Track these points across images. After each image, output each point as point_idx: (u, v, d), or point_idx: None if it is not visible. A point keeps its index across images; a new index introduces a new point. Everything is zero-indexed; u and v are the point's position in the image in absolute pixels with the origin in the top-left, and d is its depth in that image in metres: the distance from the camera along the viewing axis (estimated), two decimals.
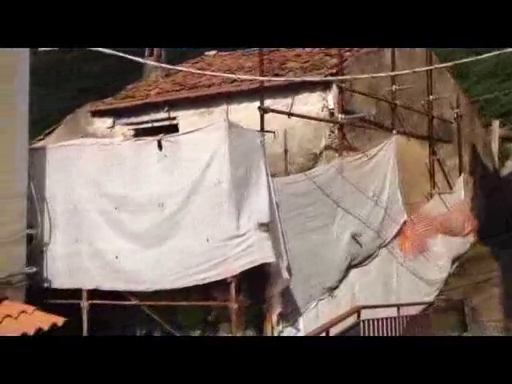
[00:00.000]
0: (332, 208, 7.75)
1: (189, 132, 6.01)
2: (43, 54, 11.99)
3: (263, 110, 6.76)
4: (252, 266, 5.64)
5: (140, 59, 8.15)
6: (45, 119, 11.07)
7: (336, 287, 7.57)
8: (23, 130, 5.99)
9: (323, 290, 7.28)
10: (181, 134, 6.14)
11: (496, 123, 16.15)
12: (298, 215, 7.16)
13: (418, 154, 10.83)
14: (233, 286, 5.61)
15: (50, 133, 10.31)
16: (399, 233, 8.92)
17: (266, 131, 6.80)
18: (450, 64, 9.26)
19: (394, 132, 9.41)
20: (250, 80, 8.63)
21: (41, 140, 9.58)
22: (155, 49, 11.96)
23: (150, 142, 6.03)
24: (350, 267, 7.90)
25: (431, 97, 11.07)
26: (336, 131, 8.45)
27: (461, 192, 10.96)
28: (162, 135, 6.01)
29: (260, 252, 5.59)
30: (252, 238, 5.59)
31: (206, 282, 5.67)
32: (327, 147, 8.45)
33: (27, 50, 6.01)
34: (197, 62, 12.54)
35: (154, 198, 5.90)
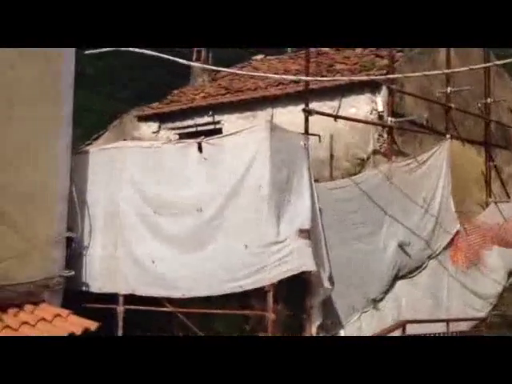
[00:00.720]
0: (379, 215, 7.39)
1: (230, 134, 5.85)
2: (94, 58, 12.20)
3: (308, 112, 6.52)
4: (291, 274, 5.39)
5: (186, 61, 8.12)
6: (94, 125, 11.23)
7: (381, 299, 7.18)
8: (66, 133, 6.03)
9: (367, 302, 6.93)
10: (222, 136, 5.98)
11: None
12: (341, 222, 6.85)
13: (474, 160, 10.25)
14: (270, 294, 5.38)
15: (97, 138, 10.49)
16: (451, 243, 8.42)
17: (310, 134, 6.55)
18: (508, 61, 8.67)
19: (448, 136, 8.92)
20: (296, 82, 8.44)
21: (89, 145, 9.72)
22: (202, 52, 11.96)
23: (191, 144, 5.91)
24: (396, 278, 7.49)
25: (489, 100, 10.46)
26: (385, 135, 8.09)
27: None
28: (202, 137, 5.88)
29: (300, 260, 5.34)
30: (292, 245, 5.34)
31: (242, 289, 5.46)
32: (375, 152, 8.11)
33: (72, 50, 6.05)
34: (244, 67, 12.44)
35: (193, 202, 5.76)
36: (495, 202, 9.93)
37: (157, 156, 6.07)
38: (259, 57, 13.75)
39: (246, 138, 5.61)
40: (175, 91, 11.05)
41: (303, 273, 5.62)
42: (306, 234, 5.42)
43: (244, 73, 8.74)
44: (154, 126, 10.18)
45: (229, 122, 9.02)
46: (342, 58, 10.38)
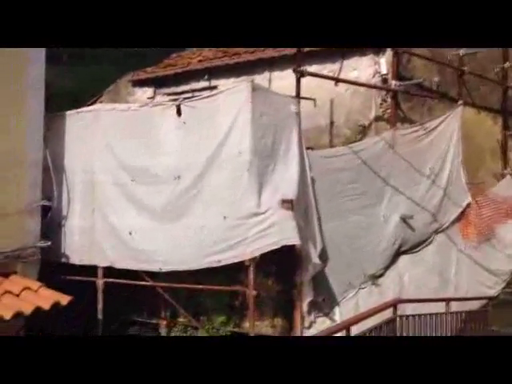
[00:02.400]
0: (379, 186, 6.88)
1: (209, 96, 5.35)
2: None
3: (299, 73, 5.94)
4: (272, 248, 4.95)
5: None
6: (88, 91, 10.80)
7: (381, 275, 6.73)
8: (36, 95, 5.62)
9: (365, 278, 6.49)
10: (201, 97, 5.48)
11: None
12: (338, 193, 6.37)
13: (489, 128, 9.57)
14: (251, 270, 4.96)
15: (91, 104, 10.06)
16: (461, 217, 7.88)
17: (303, 98, 6.00)
18: None
19: (460, 102, 8.26)
20: None
21: None
22: None
23: (169, 107, 5.45)
24: (398, 254, 7.01)
25: (506, 64, 9.70)
26: (389, 100, 7.49)
27: None
28: (181, 99, 5.40)
29: (282, 233, 4.89)
30: (273, 217, 4.89)
31: (221, 264, 5.06)
32: (378, 118, 7.53)
33: None
34: None
35: (171, 170, 5.34)
36: (511, 174, 9.28)
37: (134, 119, 5.64)
38: None
39: (226, 99, 5.12)
40: (173, 55, 10.51)
41: (293, 247, 5.19)
42: (289, 204, 4.95)
43: None
44: (149, 91, 9.71)
45: (225, 86, 8.47)
46: None
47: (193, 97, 5.73)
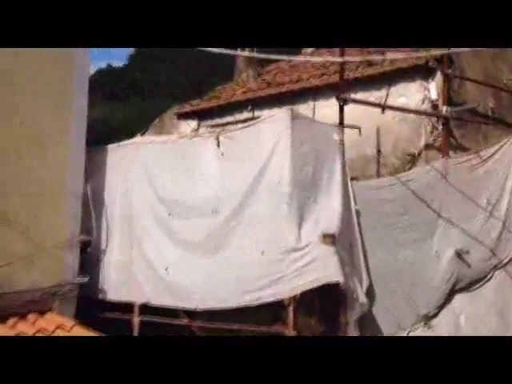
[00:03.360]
0: (432, 218, 6.43)
1: (248, 125, 5.19)
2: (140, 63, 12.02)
3: (342, 101, 5.70)
4: (313, 286, 4.63)
5: (230, 51, 7.63)
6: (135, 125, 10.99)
7: (434, 315, 6.23)
8: (79, 126, 5.64)
9: (417, 318, 6.01)
10: (239, 128, 5.33)
11: None
12: (386, 226, 5.99)
13: None
14: (290, 309, 4.64)
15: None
16: None
17: (347, 126, 5.73)
18: None
19: None
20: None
21: None
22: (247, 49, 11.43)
23: (208, 138, 5.32)
24: (453, 292, 6.48)
25: None
26: (440, 127, 7.10)
27: None
28: (219, 130, 5.26)
29: (324, 269, 4.56)
30: (314, 252, 4.58)
31: (260, 302, 4.77)
32: (428, 146, 7.14)
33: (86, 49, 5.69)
34: (291, 61, 11.79)
35: (209, 203, 5.16)
36: None
37: (172, 152, 5.53)
38: (309, 50, 13.03)
39: (265, 129, 4.94)
40: (217, 88, 10.57)
41: (333, 284, 4.84)
42: (332, 239, 4.64)
43: (283, 57, 8.00)
44: (193, 123, 9.74)
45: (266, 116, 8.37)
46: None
47: (232, 128, 5.55)
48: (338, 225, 4.84)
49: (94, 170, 5.87)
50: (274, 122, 4.89)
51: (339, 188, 5.10)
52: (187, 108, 9.89)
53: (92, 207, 5.73)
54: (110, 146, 6.10)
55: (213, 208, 5.08)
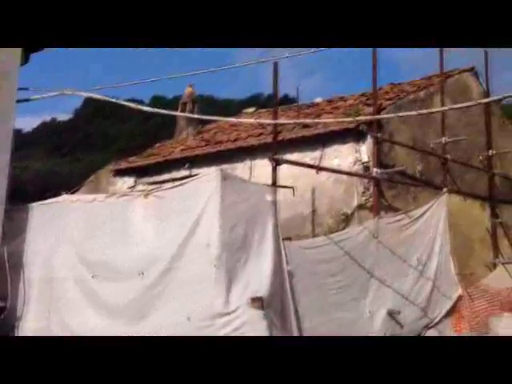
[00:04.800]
0: (365, 278, 6.47)
1: (178, 185, 5.12)
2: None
3: (275, 161, 5.77)
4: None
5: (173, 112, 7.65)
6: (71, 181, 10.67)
7: None
8: None
9: None
10: (169, 187, 5.25)
11: None
12: (319, 287, 5.96)
13: (477, 216, 9.34)
14: None
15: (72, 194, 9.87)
16: (452, 310, 7.39)
17: (279, 186, 5.78)
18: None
19: (445, 190, 8.08)
20: (278, 133, 7.82)
21: None
22: (188, 105, 11.59)
23: (137, 197, 5.18)
24: None
25: (491, 152, 9.69)
26: (371, 188, 7.30)
27: None
28: (148, 189, 5.15)
29: (253, 334, 4.41)
30: (243, 317, 4.44)
31: None
32: (361, 207, 7.31)
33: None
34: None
35: (135, 265, 4.95)
36: (503, 263, 8.91)
37: (98, 211, 5.33)
38: (250, 110, 13.35)
39: (194, 189, 4.87)
40: (156, 145, 10.53)
41: None
42: (260, 303, 4.53)
43: (223, 119, 8.11)
44: (129, 180, 9.57)
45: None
46: (331, 108, 9.86)
47: (160, 187, 5.45)
48: (269, 287, 4.76)
49: (13, 230, 5.53)
50: (204, 182, 4.85)
51: (271, 249, 5.05)
52: (124, 165, 9.75)
53: (8, 270, 5.35)
54: (33, 205, 5.80)
55: (139, 270, 4.87)
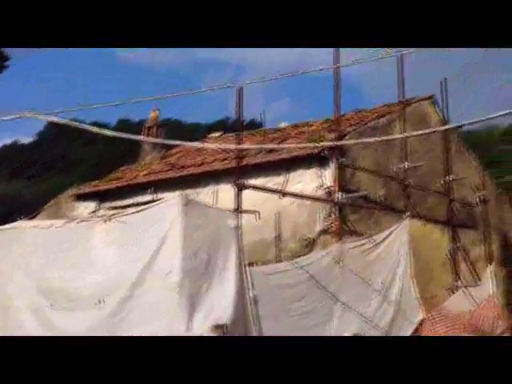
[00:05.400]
0: (328, 303, 6.48)
1: (139, 210, 5.04)
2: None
3: (239, 186, 5.77)
4: None
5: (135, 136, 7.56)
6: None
7: None
8: None
9: None
10: (130, 212, 5.16)
11: None
12: (284, 312, 5.94)
13: (437, 240, 9.54)
14: None
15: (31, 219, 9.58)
16: (414, 333, 7.45)
17: (243, 211, 5.76)
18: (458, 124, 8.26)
19: (406, 215, 8.23)
20: (242, 158, 7.84)
21: None
22: (153, 130, 11.53)
23: (96, 222, 5.07)
24: None
25: (449, 177, 9.96)
26: (335, 213, 7.38)
27: (489, 285, 9.46)
28: (110, 214, 5.05)
29: None
30: None
31: None
32: (324, 231, 7.35)
33: None
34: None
35: (95, 293, 4.81)
36: (464, 287, 9.09)
37: (58, 238, 5.18)
38: (217, 134, 13.38)
39: (156, 214, 4.81)
40: (120, 169, 10.40)
41: None
42: (221, 330, 4.46)
43: (189, 143, 8.08)
44: (91, 205, 9.37)
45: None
46: (296, 133, 9.99)
47: (121, 212, 5.35)
48: (232, 314, 4.70)
49: None
50: (167, 207, 4.79)
51: (234, 275, 5.01)
52: (86, 189, 9.56)
53: None
54: None
55: (98, 298, 4.73)
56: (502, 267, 11.13)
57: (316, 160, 7.51)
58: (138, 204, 8.82)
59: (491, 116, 4.24)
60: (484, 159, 12.70)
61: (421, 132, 6.84)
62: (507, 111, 4.08)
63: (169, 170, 9.13)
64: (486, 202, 11.32)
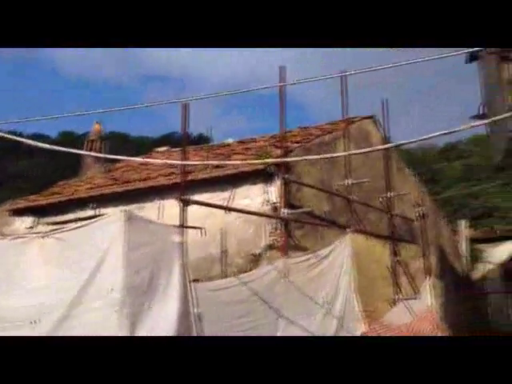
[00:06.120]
0: (273, 318, 6.49)
1: (79, 226, 4.88)
2: None
3: (183, 202, 5.71)
4: None
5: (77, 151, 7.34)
6: None
7: None
8: None
9: None
10: (69, 228, 4.99)
11: (462, 223, 15.46)
12: (229, 328, 5.87)
13: (379, 255, 9.80)
14: None
15: None
16: None
17: (187, 227, 5.70)
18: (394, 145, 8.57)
19: (349, 230, 8.42)
20: (188, 173, 7.78)
21: None
22: (96, 144, 11.26)
23: (32, 239, 4.85)
24: None
25: (389, 193, 10.29)
26: (280, 228, 7.43)
27: (427, 297, 9.80)
28: (47, 230, 4.85)
29: None
30: None
31: None
32: (270, 246, 7.39)
33: None
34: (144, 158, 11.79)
35: (28, 313, 4.59)
36: (403, 300, 9.36)
37: None
38: (162, 149, 13.24)
39: (97, 230, 4.67)
40: (60, 183, 10.05)
41: None
42: None
43: (126, 158, 7.93)
44: (28, 220, 8.98)
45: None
46: (242, 149, 10.04)
47: (60, 228, 5.17)
48: (175, 332, 4.61)
49: None
50: (108, 223, 4.66)
51: (177, 292, 4.93)
52: (23, 203, 9.17)
53: None
54: None
55: (32, 319, 4.51)
56: (440, 280, 11.58)
57: (262, 176, 7.56)
58: (78, 219, 8.55)
59: (428, 136, 4.43)
60: (422, 176, 13.26)
61: (363, 150, 7.05)
62: (442, 132, 4.28)
63: (112, 184, 8.92)
64: (425, 217, 11.79)
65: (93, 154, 9.32)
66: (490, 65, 10.34)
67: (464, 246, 14.68)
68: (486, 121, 9.22)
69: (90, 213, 8.59)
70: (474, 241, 15.33)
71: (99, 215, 8.41)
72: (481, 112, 11.05)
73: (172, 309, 4.78)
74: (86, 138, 11.18)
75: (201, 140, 15.29)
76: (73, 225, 5.35)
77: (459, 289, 12.46)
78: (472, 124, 4.29)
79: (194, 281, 5.70)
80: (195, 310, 5.27)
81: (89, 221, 4.92)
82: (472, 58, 11.56)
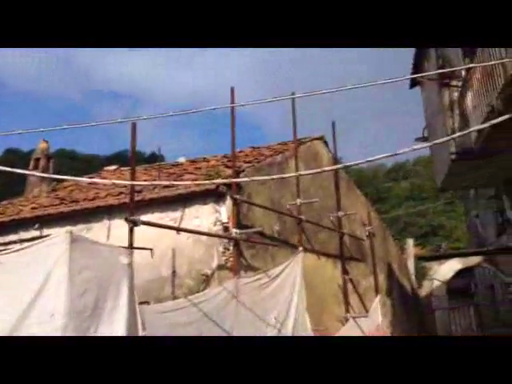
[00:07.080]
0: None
1: (20, 249, 4.68)
2: None
3: (132, 222, 5.59)
4: None
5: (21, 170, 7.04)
6: None
7: None
8: None
9: None
10: (9, 251, 4.78)
11: (410, 242, 15.95)
12: None
13: (330, 273, 9.94)
14: None
15: None
16: None
17: (136, 248, 5.58)
18: (340, 166, 8.78)
19: (300, 249, 8.49)
20: (138, 192, 7.66)
21: None
22: (41, 161, 10.92)
23: None
24: None
25: (339, 213, 10.49)
26: (231, 248, 7.41)
27: (378, 315, 9.99)
28: None
29: None
30: None
31: None
32: (221, 267, 7.34)
33: None
34: (92, 177, 11.53)
35: None
36: (354, 317, 9.50)
37: None
38: (112, 167, 13.01)
39: (39, 253, 4.49)
40: (2, 202, 9.65)
41: None
42: None
43: (75, 179, 7.73)
44: None
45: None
46: (194, 168, 10.00)
47: (4, 249, 4.95)
48: None
49: None
50: (51, 245, 4.49)
51: (124, 315, 4.79)
52: None
53: None
54: None
55: None
56: (389, 297, 11.84)
57: (212, 195, 7.53)
58: (22, 241, 8.24)
59: (373, 158, 4.55)
60: (371, 195, 13.61)
61: (313, 171, 7.17)
62: (387, 154, 4.41)
63: (59, 204, 8.64)
64: (373, 236, 12.08)
65: (37, 174, 9.01)
66: (432, 90, 10.84)
67: (411, 264, 15.11)
68: (426, 144, 9.63)
69: (34, 233, 8.28)
70: (420, 259, 15.83)
71: (43, 236, 8.13)
72: (424, 135, 11.53)
73: (118, 332, 4.64)
74: (32, 155, 10.82)
75: (153, 159, 15.12)
76: (16, 246, 5.11)
77: (407, 306, 12.77)
78: (414, 147, 4.45)
79: (143, 303, 5.58)
80: (143, 333, 5.13)
81: (31, 242, 4.73)
82: (413, 84, 12.08)
